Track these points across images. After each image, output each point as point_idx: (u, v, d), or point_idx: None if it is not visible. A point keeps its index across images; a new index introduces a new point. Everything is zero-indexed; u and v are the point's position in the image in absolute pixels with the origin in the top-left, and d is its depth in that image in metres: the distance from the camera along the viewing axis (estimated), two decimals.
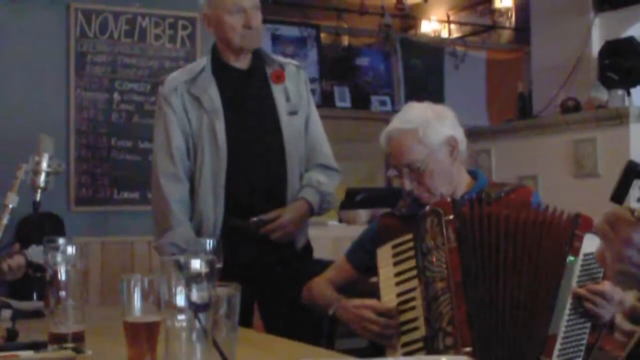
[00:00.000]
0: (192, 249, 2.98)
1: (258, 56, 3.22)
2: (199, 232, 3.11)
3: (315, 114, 3.32)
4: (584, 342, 2.27)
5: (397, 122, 2.56)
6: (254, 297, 3.17)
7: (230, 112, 3.12)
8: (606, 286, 2.25)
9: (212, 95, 3.13)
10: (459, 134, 2.57)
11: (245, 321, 3.09)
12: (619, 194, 1.59)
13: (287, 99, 3.20)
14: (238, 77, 3.18)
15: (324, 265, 2.97)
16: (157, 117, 3.22)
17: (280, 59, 3.32)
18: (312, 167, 3.25)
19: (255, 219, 3.07)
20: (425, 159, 2.51)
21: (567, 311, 2.26)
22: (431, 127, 2.51)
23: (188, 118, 3.12)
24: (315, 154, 3.27)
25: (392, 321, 2.37)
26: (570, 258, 2.27)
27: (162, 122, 3.16)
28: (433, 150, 2.51)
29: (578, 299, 2.26)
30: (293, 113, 3.20)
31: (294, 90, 3.24)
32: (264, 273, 3.10)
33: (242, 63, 3.19)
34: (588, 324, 2.27)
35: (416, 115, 2.55)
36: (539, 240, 2.31)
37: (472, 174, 2.65)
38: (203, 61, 3.23)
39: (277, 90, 3.20)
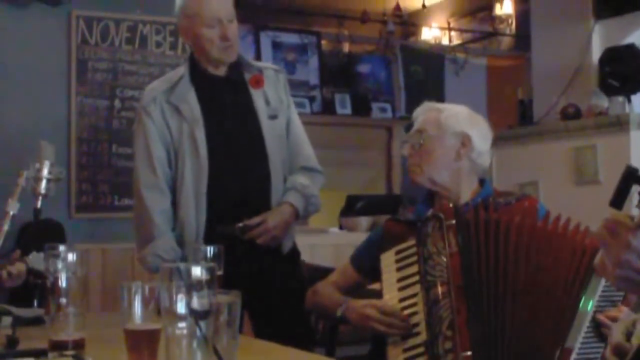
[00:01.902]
0: (174, 259, 2.99)
1: (236, 62, 3.21)
2: (181, 241, 3.11)
3: (295, 117, 3.32)
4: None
5: (439, 104, 2.72)
6: (244, 304, 3.16)
7: (210, 120, 3.12)
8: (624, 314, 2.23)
9: (191, 103, 3.13)
10: (479, 143, 2.64)
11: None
12: (618, 200, 1.59)
13: (267, 103, 3.20)
14: (216, 84, 3.18)
15: (324, 272, 2.98)
16: (137, 128, 3.21)
17: (258, 63, 3.34)
18: (295, 170, 3.25)
19: (240, 224, 3.07)
20: (433, 135, 2.59)
21: (584, 328, 2.23)
22: (456, 117, 2.63)
23: (168, 127, 3.12)
24: (298, 156, 3.27)
25: (396, 320, 2.38)
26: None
27: (142, 133, 3.16)
28: (444, 134, 2.60)
29: (596, 323, 2.24)
30: (273, 117, 3.21)
31: (274, 95, 3.24)
32: (252, 278, 3.09)
33: (220, 70, 3.19)
34: (603, 344, 2.25)
35: (454, 106, 2.70)
36: (546, 250, 2.31)
37: (480, 182, 2.67)
38: (181, 70, 3.23)
39: (256, 95, 3.20)
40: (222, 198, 3.10)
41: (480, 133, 2.64)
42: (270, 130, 3.18)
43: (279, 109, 3.23)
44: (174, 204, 3.13)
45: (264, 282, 3.12)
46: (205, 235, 3.09)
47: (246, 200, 3.12)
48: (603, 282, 2.20)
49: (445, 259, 2.35)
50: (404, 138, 2.72)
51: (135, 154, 3.21)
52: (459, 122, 2.61)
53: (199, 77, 3.18)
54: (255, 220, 3.08)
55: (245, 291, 3.01)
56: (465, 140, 2.59)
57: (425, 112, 2.68)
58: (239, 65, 3.22)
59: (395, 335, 2.39)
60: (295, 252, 3.31)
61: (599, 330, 2.22)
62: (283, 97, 3.27)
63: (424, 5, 10.61)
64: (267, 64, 3.37)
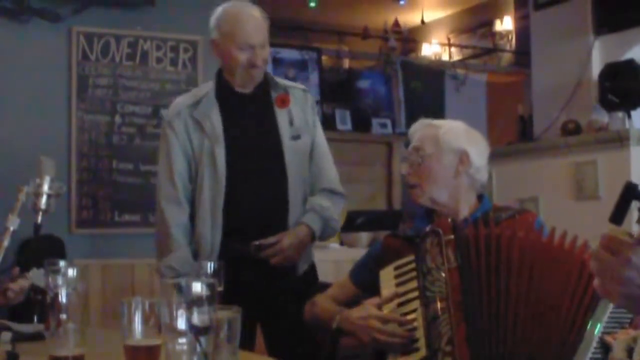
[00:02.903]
0: (189, 272, 2.99)
1: (263, 81, 3.22)
2: (197, 254, 3.12)
3: (321, 138, 3.32)
4: None
5: (436, 120, 2.70)
6: (257, 320, 3.17)
7: (231, 137, 3.14)
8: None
9: (214, 119, 3.14)
10: (477, 160, 2.63)
11: (249, 343, 3.10)
12: (618, 215, 1.58)
13: (291, 123, 3.20)
14: (241, 101, 3.20)
15: (324, 287, 2.97)
16: (161, 141, 3.24)
17: (286, 82, 3.33)
18: (317, 191, 3.25)
19: (255, 243, 3.07)
20: (431, 153, 2.59)
21: (591, 349, 2.21)
22: (454, 134, 2.62)
23: (190, 142, 3.14)
24: (321, 178, 3.27)
25: (398, 328, 2.37)
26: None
27: (165, 146, 3.19)
28: (442, 151, 2.59)
29: (604, 346, 2.22)
30: (296, 137, 3.20)
31: (299, 115, 3.23)
32: (265, 296, 3.10)
33: (247, 88, 3.20)
34: None
35: (452, 122, 2.70)
36: (545, 265, 2.30)
37: (478, 197, 2.67)
38: (208, 85, 3.24)
39: (280, 115, 3.20)
40: (238, 215, 3.12)
41: (478, 149, 2.64)
42: (291, 150, 3.18)
43: (304, 129, 3.23)
44: (192, 218, 3.15)
45: (276, 301, 3.12)
46: (220, 251, 3.10)
47: (262, 219, 3.13)
48: (611, 305, 2.19)
49: (444, 275, 2.34)
50: (403, 155, 2.71)
51: (158, 167, 3.25)
52: (456, 138, 2.61)
53: (224, 93, 3.20)
54: (271, 240, 3.09)
55: (258, 308, 3.04)
56: (463, 157, 2.59)
57: (421, 129, 2.68)
58: (266, 83, 3.23)
59: (397, 343, 2.38)
60: (312, 273, 3.31)
61: (606, 353, 2.21)
62: (309, 117, 3.28)
63: (422, 21, 10.66)
64: (294, 84, 3.37)
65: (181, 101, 3.25)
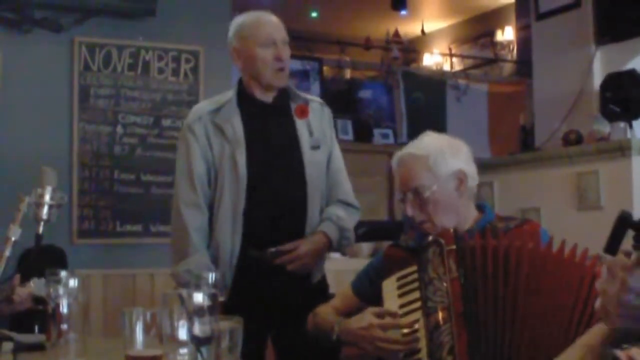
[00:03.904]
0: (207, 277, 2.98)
1: (283, 91, 3.24)
2: (215, 260, 3.11)
3: (337, 151, 3.34)
4: None
5: (410, 148, 2.60)
6: (268, 331, 3.17)
7: (252, 143, 3.15)
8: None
9: (235, 125, 3.15)
10: (471, 170, 2.59)
11: (259, 355, 3.09)
12: (612, 246, 1.58)
13: (310, 134, 3.23)
14: (262, 109, 3.21)
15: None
16: (180, 145, 3.24)
17: (305, 95, 3.35)
18: (333, 202, 3.27)
19: (272, 249, 3.07)
20: (432, 187, 2.52)
21: None
22: (443, 157, 2.54)
23: (210, 147, 3.15)
24: (336, 189, 3.29)
25: (400, 337, 2.36)
26: None
27: (184, 150, 3.19)
28: (440, 180, 2.53)
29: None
30: (316, 147, 3.23)
31: (318, 127, 3.27)
32: (278, 306, 3.10)
33: (267, 97, 3.22)
34: None
35: (430, 143, 2.58)
36: (547, 275, 2.30)
37: (480, 208, 2.65)
38: (229, 93, 3.25)
39: (300, 125, 3.23)
40: (257, 221, 3.12)
41: (466, 158, 2.60)
42: (311, 159, 3.20)
43: (322, 140, 3.26)
44: (211, 223, 3.15)
45: (290, 310, 3.10)
46: (240, 256, 3.10)
47: (281, 225, 3.13)
48: None
49: (445, 285, 2.34)
50: (399, 197, 2.64)
51: (177, 170, 3.24)
52: (446, 161, 2.54)
53: (245, 101, 3.21)
54: (288, 246, 3.09)
55: (269, 319, 3.04)
56: (461, 176, 2.56)
57: (407, 162, 2.58)
58: (286, 93, 3.25)
59: (400, 350, 2.37)
60: (324, 282, 3.32)
61: None
62: (327, 130, 3.31)
63: (423, 32, 10.68)
64: (313, 97, 3.40)
65: (202, 107, 3.27)
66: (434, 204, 2.53)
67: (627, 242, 1.61)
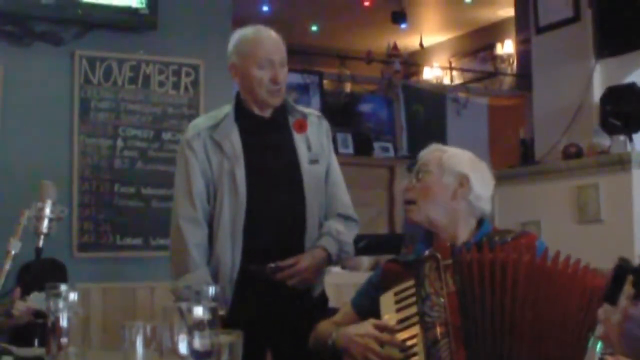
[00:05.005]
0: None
1: (281, 105, 3.24)
2: (215, 276, 3.10)
3: (335, 164, 3.35)
4: None
5: (444, 146, 2.74)
6: (268, 345, 3.16)
7: (251, 159, 3.15)
8: None
9: (234, 141, 3.15)
10: (479, 187, 2.62)
11: None
12: (613, 295, 1.58)
13: (309, 148, 3.23)
14: (260, 124, 3.21)
15: (334, 312, 2.96)
16: (179, 161, 3.24)
17: (302, 109, 3.35)
18: (332, 216, 3.27)
19: (272, 265, 3.07)
20: (432, 172, 2.61)
21: None
22: (457, 158, 2.64)
23: (209, 163, 3.15)
24: (335, 203, 3.29)
25: (396, 354, 2.36)
26: None
27: (183, 166, 3.19)
28: (443, 172, 2.60)
29: None
30: (314, 162, 3.23)
31: (316, 140, 3.26)
32: (278, 320, 3.10)
33: (265, 112, 3.22)
34: None
35: (457, 149, 2.71)
36: (545, 287, 2.30)
37: (478, 221, 2.66)
38: (226, 108, 3.25)
39: (298, 139, 3.23)
40: (257, 236, 3.11)
41: (481, 177, 2.64)
42: (309, 174, 3.20)
43: (320, 154, 3.26)
44: (210, 238, 3.15)
45: (290, 324, 3.11)
46: (240, 271, 3.09)
47: (280, 241, 3.13)
48: None
49: (442, 299, 2.34)
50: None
51: (176, 187, 3.24)
52: (459, 163, 2.62)
53: (243, 116, 3.21)
54: (288, 261, 3.08)
55: (269, 334, 3.04)
56: (463, 181, 2.59)
57: (430, 152, 2.70)
58: (284, 108, 3.25)
59: None
60: (324, 296, 3.32)
61: None
62: (325, 143, 3.31)
63: (421, 45, 10.70)
64: (310, 110, 3.40)
65: (200, 122, 3.27)
66: (426, 188, 2.61)
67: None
